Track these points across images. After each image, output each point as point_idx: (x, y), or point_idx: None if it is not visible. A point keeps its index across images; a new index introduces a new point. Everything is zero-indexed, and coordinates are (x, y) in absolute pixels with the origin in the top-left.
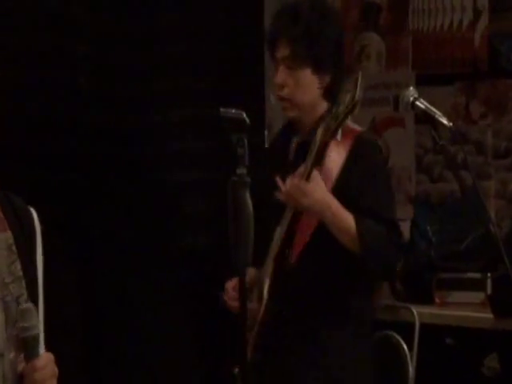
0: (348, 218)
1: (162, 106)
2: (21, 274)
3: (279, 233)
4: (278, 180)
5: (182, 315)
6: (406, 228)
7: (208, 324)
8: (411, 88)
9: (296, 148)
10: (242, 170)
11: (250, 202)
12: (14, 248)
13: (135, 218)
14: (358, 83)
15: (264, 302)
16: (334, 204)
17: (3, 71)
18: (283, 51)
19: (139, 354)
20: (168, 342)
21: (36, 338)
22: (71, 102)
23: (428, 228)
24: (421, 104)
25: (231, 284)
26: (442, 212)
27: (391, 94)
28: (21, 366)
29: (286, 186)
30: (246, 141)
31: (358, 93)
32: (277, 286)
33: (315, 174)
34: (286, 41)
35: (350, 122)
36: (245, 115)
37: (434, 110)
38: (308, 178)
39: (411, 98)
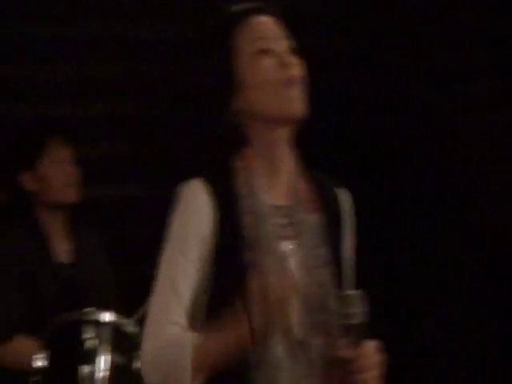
0: None
1: (466, 77)
2: (327, 258)
3: None
4: None
5: (471, 298)
6: None
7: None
8: None
9: None
10: None
11: None
12: (321, 231)
13: (432, 196)
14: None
15: None
16: None
17: None
18: None
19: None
20: (455, 329)
21: (358, 326)
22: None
23: None
24: None
25: None
26: None
27: None
28: (344, 352)
29: None
30: None
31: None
32: None
33: None
34: None
35: None
36: None
37: None
38: None
39: None
